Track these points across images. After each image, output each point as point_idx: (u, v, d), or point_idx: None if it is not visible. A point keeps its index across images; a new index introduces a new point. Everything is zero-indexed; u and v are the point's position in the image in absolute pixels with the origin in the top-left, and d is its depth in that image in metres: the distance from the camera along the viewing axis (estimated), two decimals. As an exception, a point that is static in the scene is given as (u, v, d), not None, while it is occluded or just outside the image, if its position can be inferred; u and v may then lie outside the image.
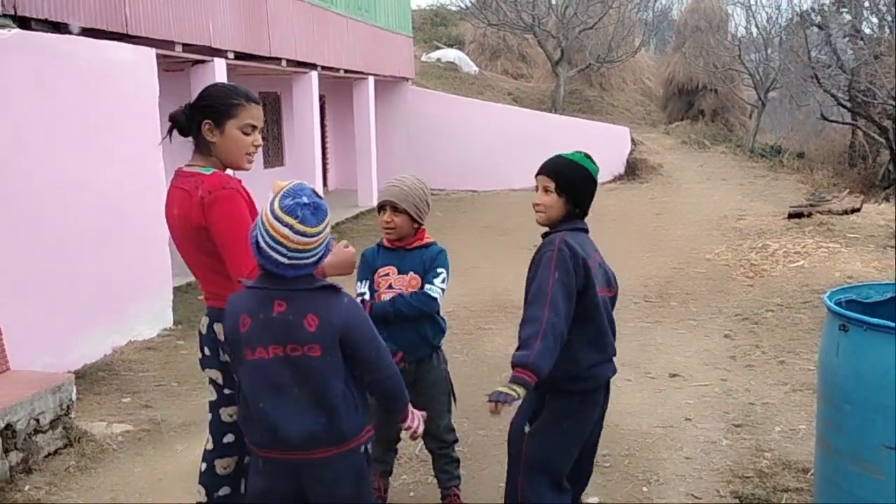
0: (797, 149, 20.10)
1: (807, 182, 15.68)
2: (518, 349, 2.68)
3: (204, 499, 2.86)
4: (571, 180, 2.86)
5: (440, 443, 3.43)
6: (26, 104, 5.51)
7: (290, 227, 2.25)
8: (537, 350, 2.62)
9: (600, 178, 3.00)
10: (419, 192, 3.25)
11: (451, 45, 23.72)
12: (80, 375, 5.42)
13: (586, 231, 2.94)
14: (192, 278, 7.50)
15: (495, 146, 16.03)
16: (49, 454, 4.12)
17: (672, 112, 23.04)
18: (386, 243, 3.33)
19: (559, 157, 2.91)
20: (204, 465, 2.88)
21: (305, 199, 2.27)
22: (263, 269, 2.35)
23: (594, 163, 2.92)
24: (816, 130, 21.75)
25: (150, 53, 7.00)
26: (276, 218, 2.26)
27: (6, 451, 3.83)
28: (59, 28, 6.12)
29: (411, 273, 3.23)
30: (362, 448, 2.44)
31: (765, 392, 5.02)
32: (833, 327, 2.90)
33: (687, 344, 6.12)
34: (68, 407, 4.29)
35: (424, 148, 16.21)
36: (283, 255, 2.28)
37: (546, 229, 2.92)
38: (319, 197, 2.34)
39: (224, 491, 2.86)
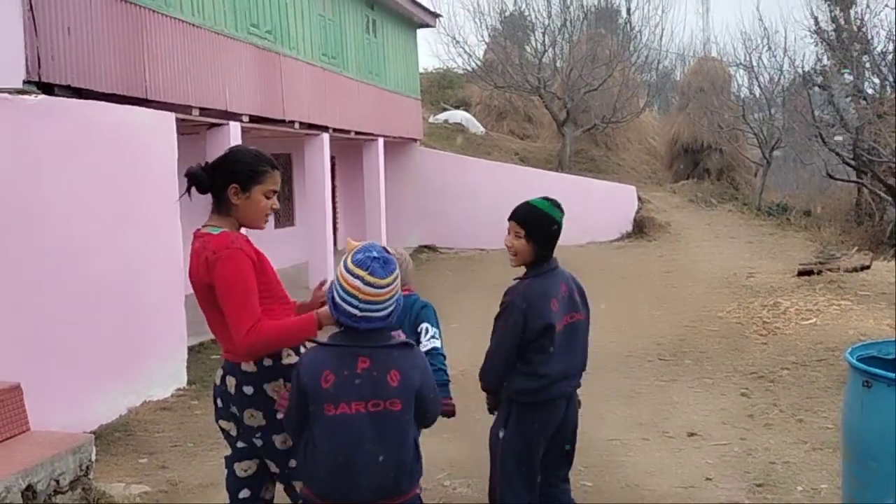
0: (803, 206, 20.16)
1: (815, 240, 15.70)
2: None
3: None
4: (538, 228, 3.17)
5: None
6: (50, 167, 5.63)
7: (361, 279, 2.42)
8: (482, 369, 3.37)
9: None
10: None
11: (457, 107, 24.06)
12: (97, 436, 5.39)
13: (554, 269, 3.23)
14: (205, 338, 7.63)
15: (503, 205, 15.69)
16: (67, 516, 4.10)
17: (678, 171, 23.21)
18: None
19: (527, 204, 3.21)
20: (222, 522, 2.89)
21: (375, 254, 2.46)
22: (341, 325, 2.48)
23: (558, 208, 3.20)
24: (822, 188, 21.87)
25: (170, 118, 7.16)
26: (348, 271, 2.44)
27: (26, 512, 3.81)
28: (82, 94, 6.29)
29: None
30: (419, 497, 2.57)
31: (785, 451, 4.98)
32: (856, 384, 2.91)
33: (703, 402, 6.09)
34: (87, 468, 4.28)
35: (433, 207, 16.39)
36: (356, 308, 2.42)
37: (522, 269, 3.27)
38: (388, 253, 2.51)
39: (242, 546, 2.86)
